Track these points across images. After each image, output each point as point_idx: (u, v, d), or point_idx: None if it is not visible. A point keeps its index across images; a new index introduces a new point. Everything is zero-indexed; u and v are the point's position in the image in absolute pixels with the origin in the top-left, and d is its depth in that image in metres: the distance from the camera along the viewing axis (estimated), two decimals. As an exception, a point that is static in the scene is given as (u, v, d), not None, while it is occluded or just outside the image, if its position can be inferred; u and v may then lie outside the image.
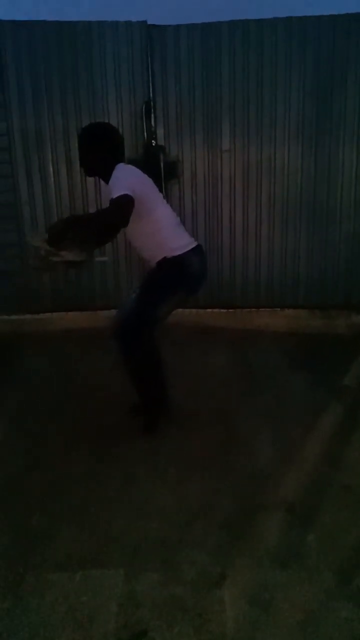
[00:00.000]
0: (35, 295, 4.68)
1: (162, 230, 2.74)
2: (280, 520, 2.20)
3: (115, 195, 2.41)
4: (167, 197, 4.13)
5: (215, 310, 4.67)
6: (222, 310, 4.67)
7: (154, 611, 1.77)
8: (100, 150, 2.71)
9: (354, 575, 1.89)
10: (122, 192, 2.42)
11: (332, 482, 2.45)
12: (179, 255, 2.74)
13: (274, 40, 4.24)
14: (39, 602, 1.82)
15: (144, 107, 4.34)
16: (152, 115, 4.39)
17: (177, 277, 2.76)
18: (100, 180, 2.81)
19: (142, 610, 1.78)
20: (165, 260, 2.74)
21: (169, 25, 4.30)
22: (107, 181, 2.67)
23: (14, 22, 4.22)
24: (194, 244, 2.82)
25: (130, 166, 2.71)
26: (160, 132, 4.43)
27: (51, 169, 4.43)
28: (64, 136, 4.38)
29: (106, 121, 4.08)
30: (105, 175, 2.69)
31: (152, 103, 4.37)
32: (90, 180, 4.46)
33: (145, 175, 2.74)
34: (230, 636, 1.66)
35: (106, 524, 2.21)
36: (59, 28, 4.24)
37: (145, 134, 4.40)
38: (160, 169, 4.34)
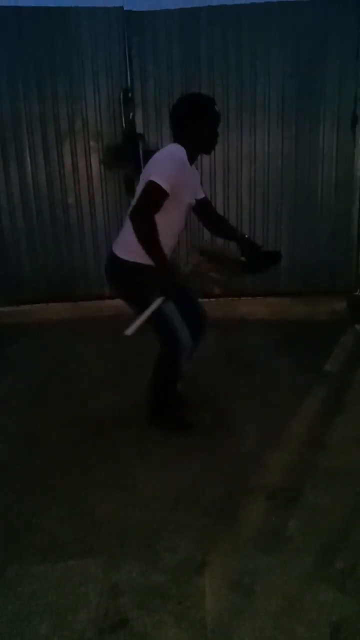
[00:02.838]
0: (16, 286, 4.62)
1: None
2: (263, 505, 2.19)
3: None
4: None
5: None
6: (204, 299, 4.64)
7: (134, 600, 1.75)
8: None
9: (335, 559, 1.88)
10: None
11: (315, 466, 2.44)
12: None
13: (252, 24, 4.20)
14: (18, 593, 1.79)
15: (121, 94, 4.28)
16: (131, 103, 4.33)
17: None
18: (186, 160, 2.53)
19: (123, 599, 1.76)
20: None
21: (146, 11, 4.24)
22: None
23: (-13, 7, 4.13)
24: None
25: None
26: (139, 119, 4.37)
27: (28, 157, 4.36)
28: (40, 123, 4.31)
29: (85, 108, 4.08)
30: None
31: (130, 90, 4.31)
32: (69, 168, 4.41)
33: None
34: (210, 623, 1.65)
35: (90, 512, 2.19)
36: (36, 14, 4.17)
37: (123, 121, 4.35)
38: (140, 157, 4.28)
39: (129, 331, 2.43)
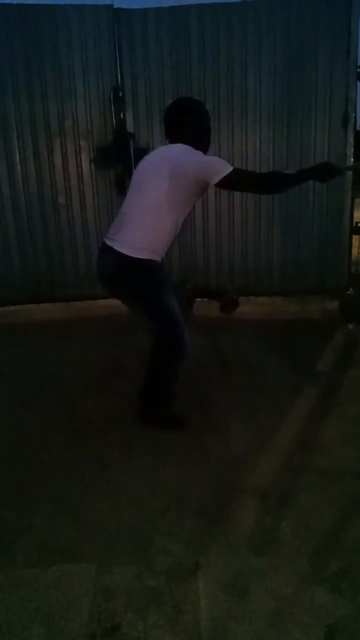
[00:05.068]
0: (5, 286, 4.57)
1: None
2: (255, 506, 2.17)
3: None
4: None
5: (190, 298, 4.62)
6: (196, 298, 4.62)
7: (127, 604, 1.73)
8: None
9: (328, 560, 1.87)
10: None
11: (307, 466, 2.43)
12: None
13: (243, 22, 4.19)
14: (8, 599, 1.76)
15: (112, 93, 4.25)
16: (122, 101, 4.30)
17: None
18: None
19: (115, 604, 1.73)
20: None
21: (136, 9, 4.22)
22: None
23: (-25, 5, 4.08)
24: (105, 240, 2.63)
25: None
26: (129, 118, 4.35)
27: (18, 156, 4.32)
28: (30, 122, 4.27)
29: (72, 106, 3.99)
30: None
31: (120, 88, 4.28)
32: (59, 167, 4.37)
33: (142, 163, 2.66)
34: (204, 626, 1.63)
35: (80, 515, 2.16)
36: (23, 11, 4.13)
37: (114, 120, 4.32)
38: (131, 156, 4.26)
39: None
